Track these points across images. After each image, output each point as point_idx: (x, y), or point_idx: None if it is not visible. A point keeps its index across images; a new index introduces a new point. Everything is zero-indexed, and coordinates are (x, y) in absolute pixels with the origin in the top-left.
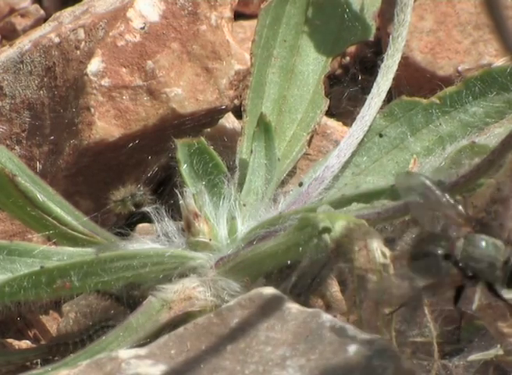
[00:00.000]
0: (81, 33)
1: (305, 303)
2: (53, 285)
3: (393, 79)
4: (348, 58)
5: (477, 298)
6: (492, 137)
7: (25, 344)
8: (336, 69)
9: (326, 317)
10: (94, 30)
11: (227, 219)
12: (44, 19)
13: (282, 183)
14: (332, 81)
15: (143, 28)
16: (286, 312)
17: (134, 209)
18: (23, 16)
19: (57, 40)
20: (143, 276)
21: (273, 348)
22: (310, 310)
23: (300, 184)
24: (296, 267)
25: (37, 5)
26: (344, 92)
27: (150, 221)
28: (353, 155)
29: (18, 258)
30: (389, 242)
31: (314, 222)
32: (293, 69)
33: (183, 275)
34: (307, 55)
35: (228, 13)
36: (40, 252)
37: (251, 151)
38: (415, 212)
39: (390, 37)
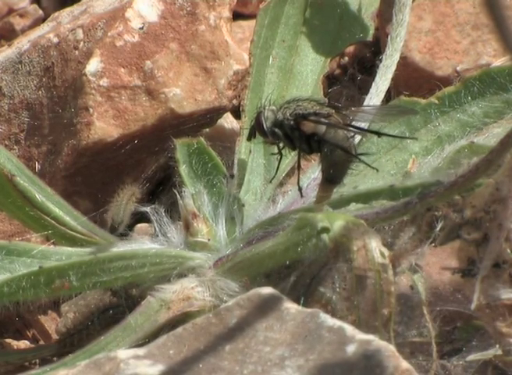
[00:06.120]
0: (80, 34)
1: (304, 303)
2: (52, 285)
3: (392, 79)
4: (347, 59)
5: (475, 297)
6: (491, 136)
7: (23, 344)
8: (334, 69)
9: (325, 317)
10: (92, 30)
11: (226, 219)
12: (43, 20)
13: (281, 183)
14: (330, 81)
15: (141, 28)
16: (284, 312)
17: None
18: (21, 16)
19: (56, 40)
20: (141, 276)
21: (272, 348)
22: (308, 310)
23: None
24: (295, 267)
25: (35, 5)
26: (343, 92)
27: (148, 221)
28: None
29: (17, 258)
30: (388, 242)
31: (313, 222)
32: (292, 70)
33: (181, 275)
34: (306, 56)
35: (226, 13)
36: (39, 252)
37: (250, 151)
38: None
39: (389, 37)
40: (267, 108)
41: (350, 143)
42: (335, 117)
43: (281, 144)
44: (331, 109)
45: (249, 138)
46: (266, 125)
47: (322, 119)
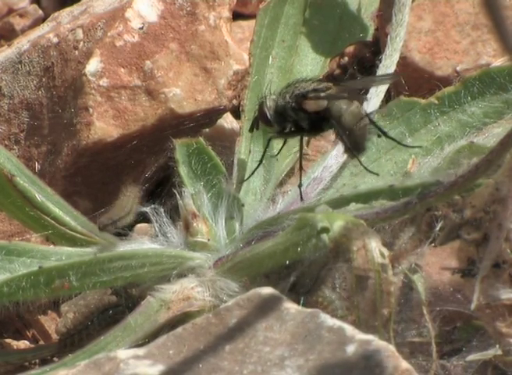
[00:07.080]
0: (80, 34)
1: (304, 303)
2: (51, 285)
3: None
4: (346, 59)
5: (475, 297)
6: (491, 137)
7: (23, 344)
8: (334, 69)
9: (325, 317)
10: (92, 30)
11: (226, 219)
12: (43, 20)
13: (281, 183)
14: (330, 81)
15: (141, 28)
16: (284, 312)
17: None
18: (21, 16)
19: (55, 40)
20: (141, 276)
21: (271, 348)
22: (308, 310)
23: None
24: (295, 267)
25: (35, 5)
26: None
27: (148, 221)
28: None
29: (16, 258)
30: (388, 242)
31: (313, 222)
32: (292, 70)
33: (181, 275)
34: (306, 56)
35: (226, 13)
36: (39, 252)
37: (250, 152)
38: None
39: (388, 37)
40: (268, 97)
41: (355, 106)
42: (334, 89)
43: (286, 133)
44: (329, 84)
45: (251, 129)
46: (270, 113)
47: (322, 94)
